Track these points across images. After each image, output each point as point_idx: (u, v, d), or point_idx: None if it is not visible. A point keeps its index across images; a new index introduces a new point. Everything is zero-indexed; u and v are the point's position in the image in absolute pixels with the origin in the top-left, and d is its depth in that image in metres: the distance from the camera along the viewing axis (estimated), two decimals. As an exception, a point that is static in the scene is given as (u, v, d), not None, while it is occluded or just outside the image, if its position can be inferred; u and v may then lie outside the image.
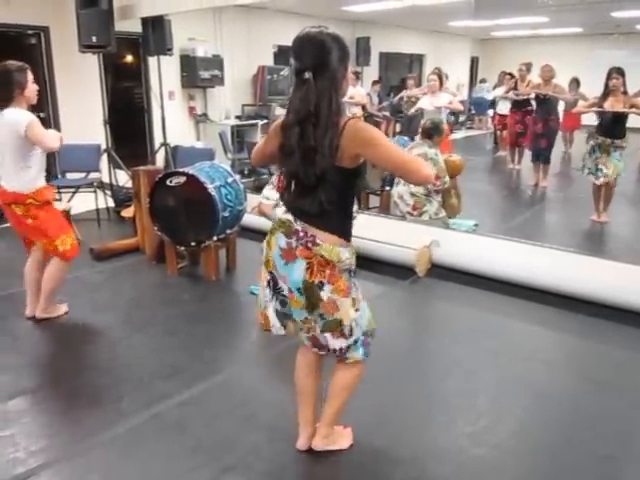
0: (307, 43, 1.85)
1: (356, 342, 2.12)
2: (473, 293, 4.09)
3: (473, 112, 14.47)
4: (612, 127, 5.53)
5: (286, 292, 2.07)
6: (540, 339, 3.49)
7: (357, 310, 2.08)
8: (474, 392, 2.83)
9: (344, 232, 2.02)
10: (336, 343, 2.09)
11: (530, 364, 3.12)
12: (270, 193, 3.78)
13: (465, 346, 3.32)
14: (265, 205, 3.82)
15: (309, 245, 1.95)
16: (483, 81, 14.36)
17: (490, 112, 12.90)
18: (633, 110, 5.41)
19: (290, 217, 2.01)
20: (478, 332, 3.51)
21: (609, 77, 5.47)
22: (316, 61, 1.82)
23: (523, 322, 3.68)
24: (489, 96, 10.95)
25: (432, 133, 4.90)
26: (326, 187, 1.90)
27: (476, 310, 3.86)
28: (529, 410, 2.70)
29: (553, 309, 3.78)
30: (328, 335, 2.08)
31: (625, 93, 5.49)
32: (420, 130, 5.05)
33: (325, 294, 1.99)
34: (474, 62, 16.89)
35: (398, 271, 4.32)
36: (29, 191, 3.25)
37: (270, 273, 2.10)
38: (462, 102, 8.99)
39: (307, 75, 1.82)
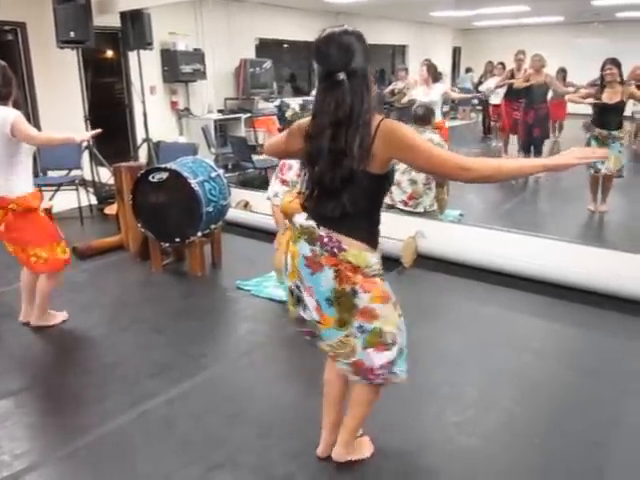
0: (335, 44, 1.78)
1: (401, 353, 2.00)
2: (460, 283, 4.10)
3: (457, 103, 14.48)
4: (610, 118, 5.45)
5: (313, 312, 1.95)
6: (529, 328, 3.51)
7: (400, 315, 1.99)
8: (462, 382, 2.84)
9: (371, 238, 1.92)
10: (381, 358, 1.95)
11: (519, 353, 3.13)
12: (278, 187, 3.61)
13: (453, 336, 3.33)
14: (277, 209, 3.61)
15: (335, 251, 1.86)
16: (469, 70, 14.36)
17: (475, 102, 12.92)
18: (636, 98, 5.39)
19: (312, 223, 1.91)
20: (465, 322, 3.52)
21: (603, 69, 5.39)
22: (347, 61, 1.76)
23: (511, 311, 3.70)
24: (482, 88, 10.85)
25: (429, 118, 4.84)
26: (353, 191, 1.81)
27: (463, 300, 3.87)
28: (518, 399, 2.71)
29: (541, 297, 3.80)
30: (371, 351, 1.94)
31: (622, 83, 5.41)
32: (414, 118, 4.95)
33: (361, 302, 1.88)
34: (456, 52, 16.91)
35: (384, 262, 4.29)
36: (14, 195, 3.09)
37: (295, 285, 1.99)
38: (453, 90, 8.95)
39: (341, 76, 1.76)
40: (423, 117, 4.83)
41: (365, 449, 2.30)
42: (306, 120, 1.94)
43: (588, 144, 5.63)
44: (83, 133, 3.46)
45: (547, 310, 3.69)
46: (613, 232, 5.58)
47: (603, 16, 13.10)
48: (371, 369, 1.98)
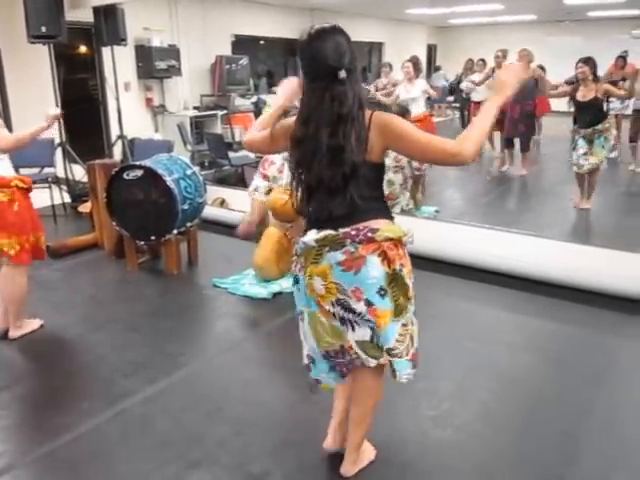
0: (328, 42, 1.76)
1: (408, 351, 1.94)
2: (437, 279, 4.13)
3: (432, 100, 14.56)
4: (587, 116, 5.56)
5: (367, 313, 1.85)
6: (501, 322, 3.56)
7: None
8: (438, 376, 2.87)
9: (388, 214, 1.91)
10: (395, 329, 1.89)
11: (493, 347, 3.18)
12: (259, 182, 3.62)
13: (429, 331, 3.33)
14: (258, 202, 3.58)
15: (370, 235, 1.80)
16: (438, 69, 14.47)
17: (450, 98, 13.02)
18: (611, 93, 5.50)
19: (329, 231, 1.83)
20: (441, 317, 3.55)
21: (575, 67, 5.50)
22: (343, 60, 1.76)
23: (486, 306, 3.75)
24: (463, 85, 10.93)
25: (404, 118, 4.87)
26: (357, 183, 1.79)
27: (439, 295, 3.90)
28: (492, 392, 2.75)
29: (513, 292, 3.86)
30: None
31: (596, 81, 5.50)
32: None
33: (406, 279, 1.86)
34: (432, 50, 17.03)
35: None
36: (10, 175, 3.05)
37: (337, 301, 1.87)
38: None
39: (343, 74, 1.75)
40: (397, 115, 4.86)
41: (369, 454, 2.25)
42: (289, 121, 1.91)
43: (575, 143, 5.73)
44: (49, 114, 3.26)
45: (517, 303, 3.75)
46: (590, 228, 5.70)
47: (575, 15, 13.33)
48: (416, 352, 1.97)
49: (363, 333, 1.90)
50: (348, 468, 2.16)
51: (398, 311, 1.87)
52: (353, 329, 1.91)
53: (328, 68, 1.75)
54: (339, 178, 1.78)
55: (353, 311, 1.87)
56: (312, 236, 1.86)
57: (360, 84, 1.84)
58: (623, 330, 3.42)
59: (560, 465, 2.26)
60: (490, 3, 11.15)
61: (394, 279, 1.84)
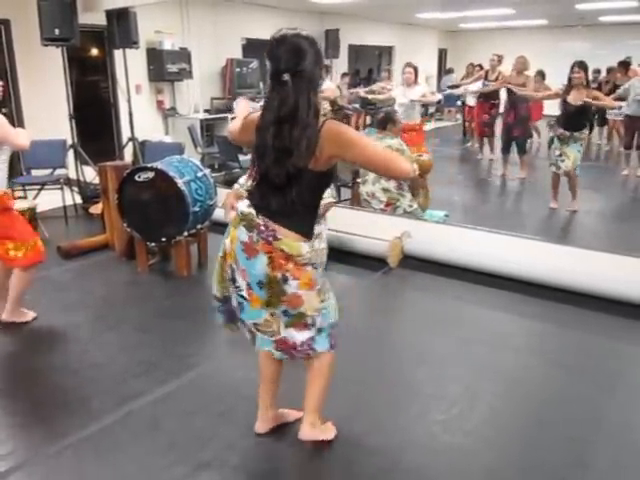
0: (284, 45, 1.87)
1: (320, 332, 2.14)
2: (444, 283, 4.13)
3: (442, 104, 14.56)
4: (573, 119, 5.63)
5: (244, 291, 2.08)
6: (509, 326, 3.55)
7: (322, 301, 2.12)
8: (446, 380, 2.87)
9: (306, 230, 2.03)
10: (301, 336, 2.12)
11: (500, 351, 3.17)
12: (244, 181, 3.66)
13: (436, 335, 3.36)
14: (234, 192, 3.62)
15: (270, 239, 1.97)
16: (450, 71, 14.44)
17: (459, 103, 13.00)
18: (594, 102, 5.54)
19: (252, 210, 2.01)
20: (449, 321, 3.55)
21: (571, 71, 5.57)
22: (294, 64, 1.85)
23: (493, 310, 3.74)
24: (458, 91, 10.97)
25: (387, 124, 4.92)
26: (299, 186, 1.92)
27: (447, 299, 3.90)
28: (500, 396, 2.75)
29: (520, 296, 3.85)
30: (292, 330, 2.12)
31: (587, 86, 5.60)
32: (375, 122, 5.07)
33: (290, 289, 2.02)
34: (442, 54, 17.01)
35: (370, 263, 4.33)
36: None
37: (230, 266, 2.11)
38: (432, 93, 9.06)
39: (286, 77, 1.85)
40: (381, 122, 4.94)
41: (330, 432, 2.38)
42: (256, 114, 2.05)
43: (551, 142, 5.84)
44: None
45: (524, 307, 3.74)
46: (588, 231, 5.69)
47: (587, 20, 13.25)
48: (294, 346, 2.14)
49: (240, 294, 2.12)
50: (306, 431, 2.31)
51: (268, 304, 2.07)
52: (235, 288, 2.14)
53: (276, 70, 1.87)
54: (283, 178, 1.91)
55: (234, 282, 2.10)
56: (242, 207, 2.06)
57: (316, 90, 1.92)
58: (628, 335, 3.41)
59: (569, 469, 2.25)
60: (501, 7, 11.12)
61: (273, 282, 2.01)
